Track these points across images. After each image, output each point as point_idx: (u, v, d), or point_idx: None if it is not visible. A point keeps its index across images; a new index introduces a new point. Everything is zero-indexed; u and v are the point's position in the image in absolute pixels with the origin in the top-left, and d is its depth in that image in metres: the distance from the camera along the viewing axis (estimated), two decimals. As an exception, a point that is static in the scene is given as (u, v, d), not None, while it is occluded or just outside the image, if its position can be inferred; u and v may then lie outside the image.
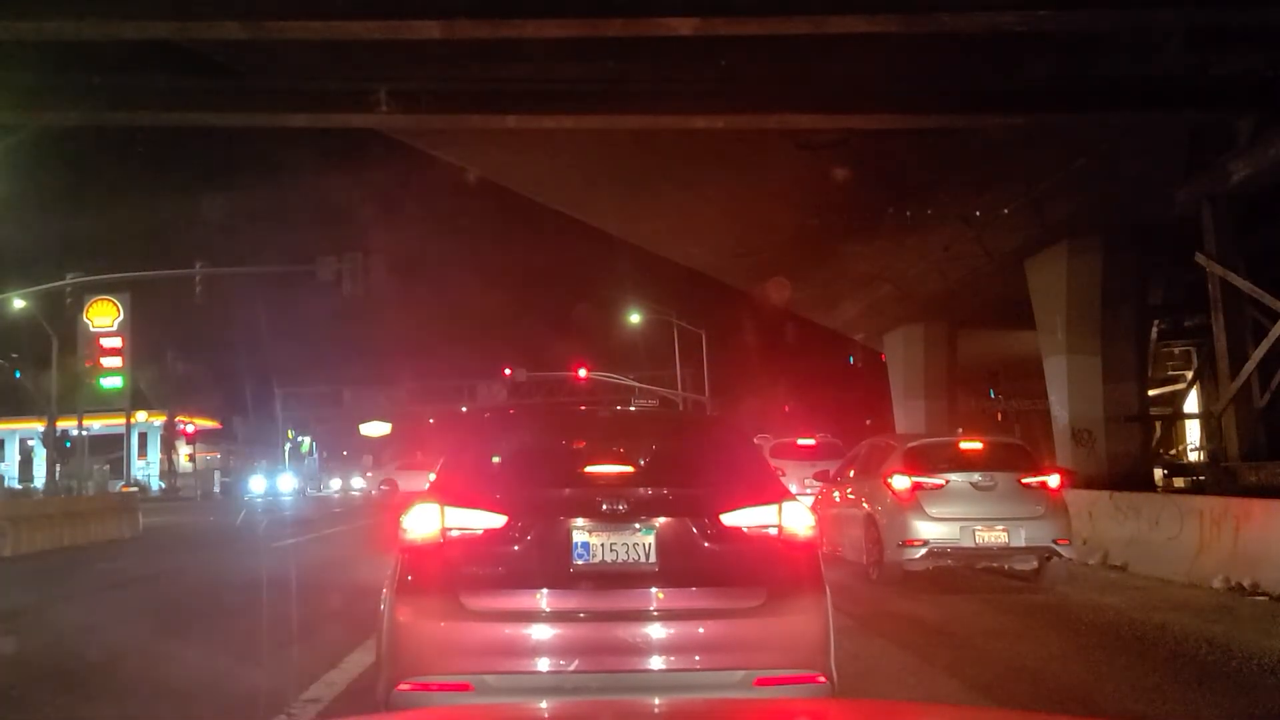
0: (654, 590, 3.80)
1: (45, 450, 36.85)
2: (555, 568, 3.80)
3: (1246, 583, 8.88)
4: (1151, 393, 20.23)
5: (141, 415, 45.52)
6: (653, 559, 3.84)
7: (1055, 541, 9.44)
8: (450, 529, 3.86)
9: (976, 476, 9.72)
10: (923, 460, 10.02)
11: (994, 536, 9.41)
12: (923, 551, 9.45)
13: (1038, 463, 10.47)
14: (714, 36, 11.59)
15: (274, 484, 50.07)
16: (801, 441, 19.99)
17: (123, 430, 42.71)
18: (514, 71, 13.05)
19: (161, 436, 48.84)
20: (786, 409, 42.19)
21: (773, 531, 3.95)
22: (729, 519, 3.92)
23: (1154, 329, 19.57)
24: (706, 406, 36.23)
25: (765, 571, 3.87)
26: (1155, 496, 12.06)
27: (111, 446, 45.39)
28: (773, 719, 2.73)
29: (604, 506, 3.86)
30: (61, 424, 35.91)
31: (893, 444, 10.90)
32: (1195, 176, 14.27)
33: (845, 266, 22.94)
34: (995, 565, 10.10)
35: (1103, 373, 17.89)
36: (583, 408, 23.92)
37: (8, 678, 6.06)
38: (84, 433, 40.37)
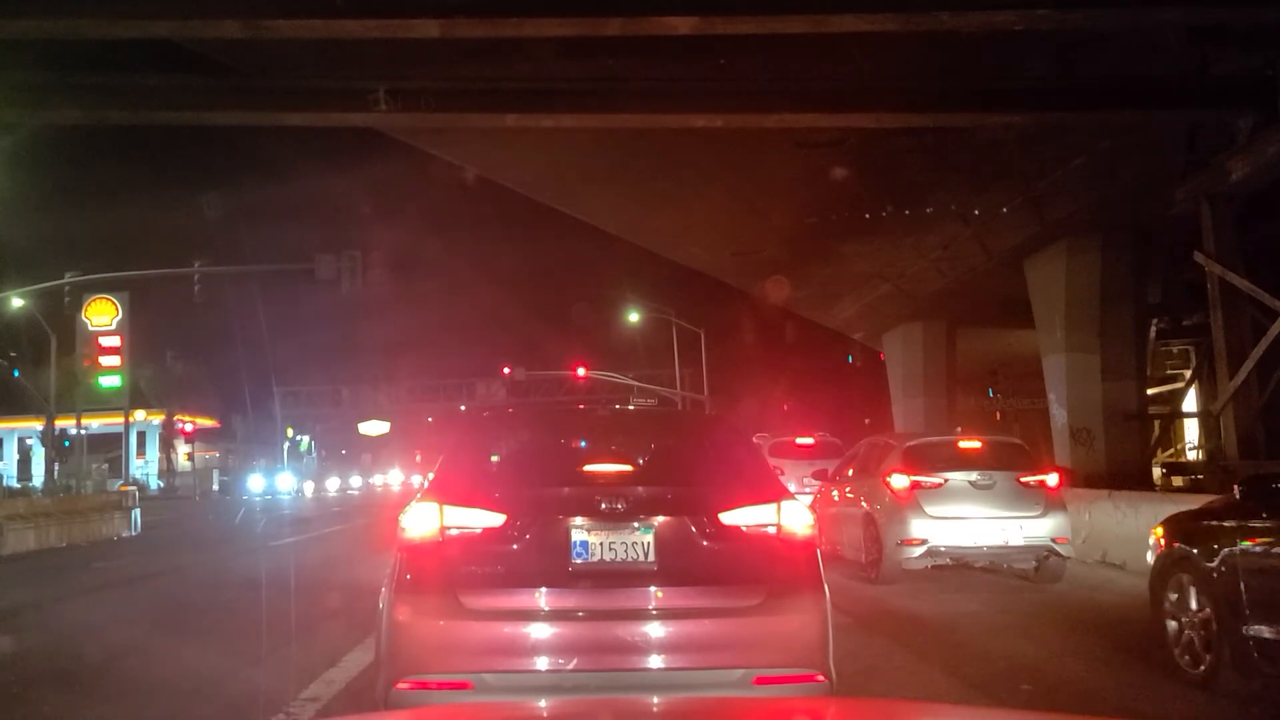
0: (653, 589, 3.80)
1: (44, 449, 36.87)
2: (554, 567, 3.80)
3: (1245, 582, 8.87)
4: (1150, 391, 20.21)
5: (140, 414, 45.54)
6: (651, 558, 3.84)
7: (1054, 540, 9.45)
8: (449, 528, 3.86)
9: (975, 475, 9.73)
10: (921, 459, 10.03)
11: (993, 535, 9.42)
12: (921, 550, 9.46)
13: (1036, 462, 10.48)
14: (713, 35, 11.58)
15: (272, 483, 50.13)
16: (800, 440, 19.93)
17: (121, 429, 42.69)
18: (514, 71, 13.03)
19: (160, 435, 48.91)
20: (785, 408, 42.21)
21: (771, 530, 3.95)
22: (728, 518, 3.92)
23: (1153, 328, 19.54)
24: (705, 405, 36.22)
25: (764, 570, 3.87)
26: (1154, 495, 12.04)
27: (110, 445, 45.41)
28: (772, 718, 2.73)
29: (603, 505, 3.86)
30: (60, 423, 35.88)
31: (891, 443, 10.90)
32: (1194, 175, 14.26)
33: (844, 265, 22.93)
34: (994, 564, 10.13)
35: (1101, 371, 17.91)
36: (581, 406, 23.92)
37: (6, 677, 6.05)
38: (82, 432, 40.36)
